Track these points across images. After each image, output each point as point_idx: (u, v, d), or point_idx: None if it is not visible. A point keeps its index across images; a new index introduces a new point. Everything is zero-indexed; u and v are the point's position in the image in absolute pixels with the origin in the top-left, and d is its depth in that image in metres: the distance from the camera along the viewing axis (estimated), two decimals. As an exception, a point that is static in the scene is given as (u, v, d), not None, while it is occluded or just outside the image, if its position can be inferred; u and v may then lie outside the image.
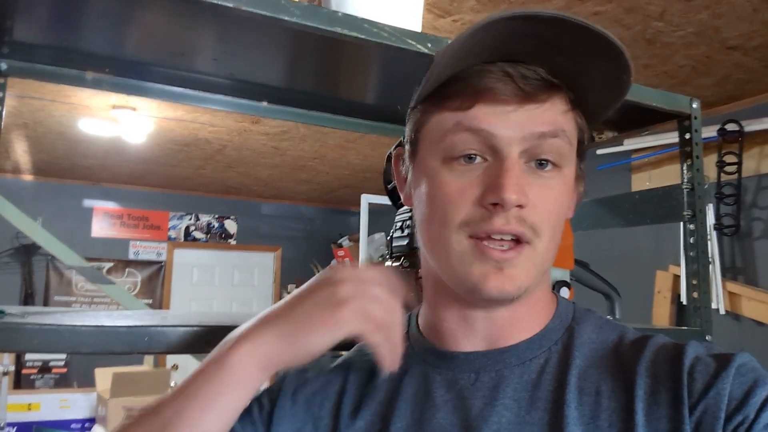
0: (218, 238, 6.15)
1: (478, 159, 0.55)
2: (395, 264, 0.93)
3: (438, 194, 0.56)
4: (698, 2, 2.01)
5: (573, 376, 0.55)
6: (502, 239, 0.54)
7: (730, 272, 2.97)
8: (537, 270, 0.56)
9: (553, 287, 0.93)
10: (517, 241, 0.54)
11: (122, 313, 0.94)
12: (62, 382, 5.12)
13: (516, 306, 0.58)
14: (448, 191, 0.55)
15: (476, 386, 0.57)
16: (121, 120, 3.47)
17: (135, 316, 0.84)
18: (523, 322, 0.60)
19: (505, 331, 0.59)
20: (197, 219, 6.05)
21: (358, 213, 3.54)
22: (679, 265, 3.09)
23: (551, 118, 0.55)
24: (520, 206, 0.53)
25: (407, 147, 0.63)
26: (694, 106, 1.17)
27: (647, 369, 0.53)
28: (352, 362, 0.67)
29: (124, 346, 0.66)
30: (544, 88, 0.55)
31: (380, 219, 4.18)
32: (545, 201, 0.55)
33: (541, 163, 0.55)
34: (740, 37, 2.26)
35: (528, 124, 0.54)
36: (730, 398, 0.48)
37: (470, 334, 0.60)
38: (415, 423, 0.57)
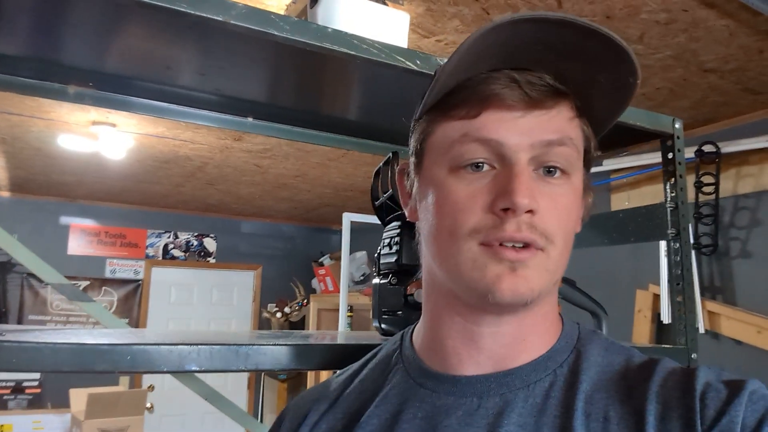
0: (197, 256, 6.07)
1: (486, 167, 0.54)
2: (383, 281, 0.92)
3: (446, 203, 0.55)
4: (676, 26, 2.05)
5: (580, 400, 0.53)
6: (513, 246, 0.52)
7: (708, 291, 3.00)
8: (550, 276, 0.55)
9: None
10: (529, 247, 0.53)
11: (102, 331, 0.92)
12: (36, 403, 4.99)
13: (524, 318, 0.57)
14: (456, 199, 0.54)
15: (479, 413, 0.55)
16: (100, 136, 3.43)
17: (116, 335, 0.82)
18: (529, 341, 0.58)
19: (511, 349, 0.57)
20: (176, 237, 5.98)
21: (339, 231, 3.52)
22: (658, 284, 3.11)
23: (558, 126, 0.54)
24: (530, 212, 0.52)
25: (412, 159, 0.61)
26: (677, 126, 1.18)
27: (657, 394, 0.51)
28: (345, 390, 0.65)
29: (106, 364, 0.64)
30: (551, 94, 0.54)
31: (362, 237, 4.17)
32: (555, 208, 0.54)
33: (550, 170, 0.54)
34: (717, 60, 2.31)
35: (536, 131, 0.53)
36: (743, 426, 0.47)
37: (475, 353, 0.58)
38: None
